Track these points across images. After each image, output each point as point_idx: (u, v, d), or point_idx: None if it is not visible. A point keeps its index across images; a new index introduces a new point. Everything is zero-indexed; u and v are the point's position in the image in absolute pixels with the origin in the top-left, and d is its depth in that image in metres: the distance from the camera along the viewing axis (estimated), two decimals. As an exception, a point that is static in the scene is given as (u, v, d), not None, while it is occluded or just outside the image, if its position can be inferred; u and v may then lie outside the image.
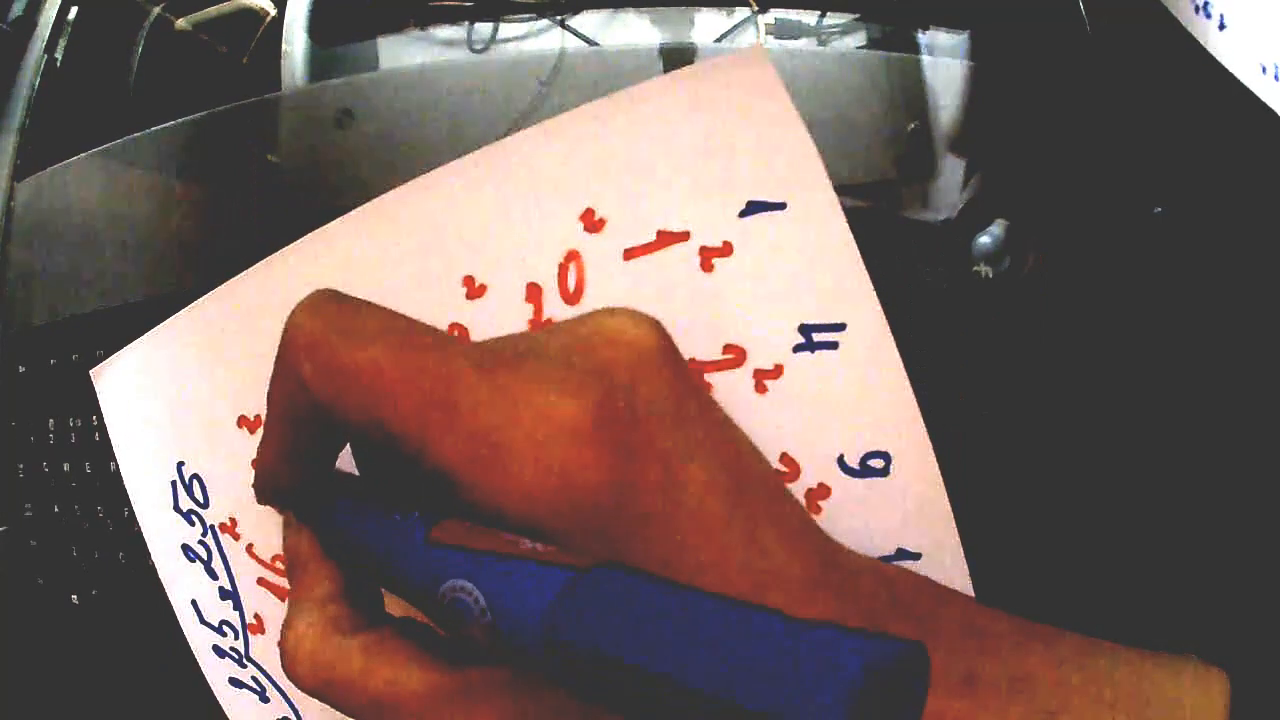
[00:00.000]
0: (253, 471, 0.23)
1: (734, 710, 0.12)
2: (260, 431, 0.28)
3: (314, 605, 0.21)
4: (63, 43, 0.50)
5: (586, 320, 0.19)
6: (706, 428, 0.19)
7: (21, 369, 0.44)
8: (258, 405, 0.29)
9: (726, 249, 0.26)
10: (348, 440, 0.22)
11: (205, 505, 0.31)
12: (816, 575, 0.19)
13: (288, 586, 0.28)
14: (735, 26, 0.48)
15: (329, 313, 0.19)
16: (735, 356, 0.26)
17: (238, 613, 0.32)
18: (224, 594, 0.32)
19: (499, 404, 0.17)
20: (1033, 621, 0.21)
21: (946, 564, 0.26)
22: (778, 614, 0.13)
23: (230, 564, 0.31)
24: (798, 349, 0.26)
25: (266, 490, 0.23)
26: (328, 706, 0.31)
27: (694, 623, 0.13)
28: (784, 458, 0.26)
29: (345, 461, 0.23)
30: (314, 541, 0.22)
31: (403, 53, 0.49)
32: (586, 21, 0.48)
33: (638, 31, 0.48)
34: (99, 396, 0.33)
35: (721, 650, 0.13)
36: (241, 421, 0.30)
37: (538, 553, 0.16)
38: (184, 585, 0.33)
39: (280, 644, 0.20)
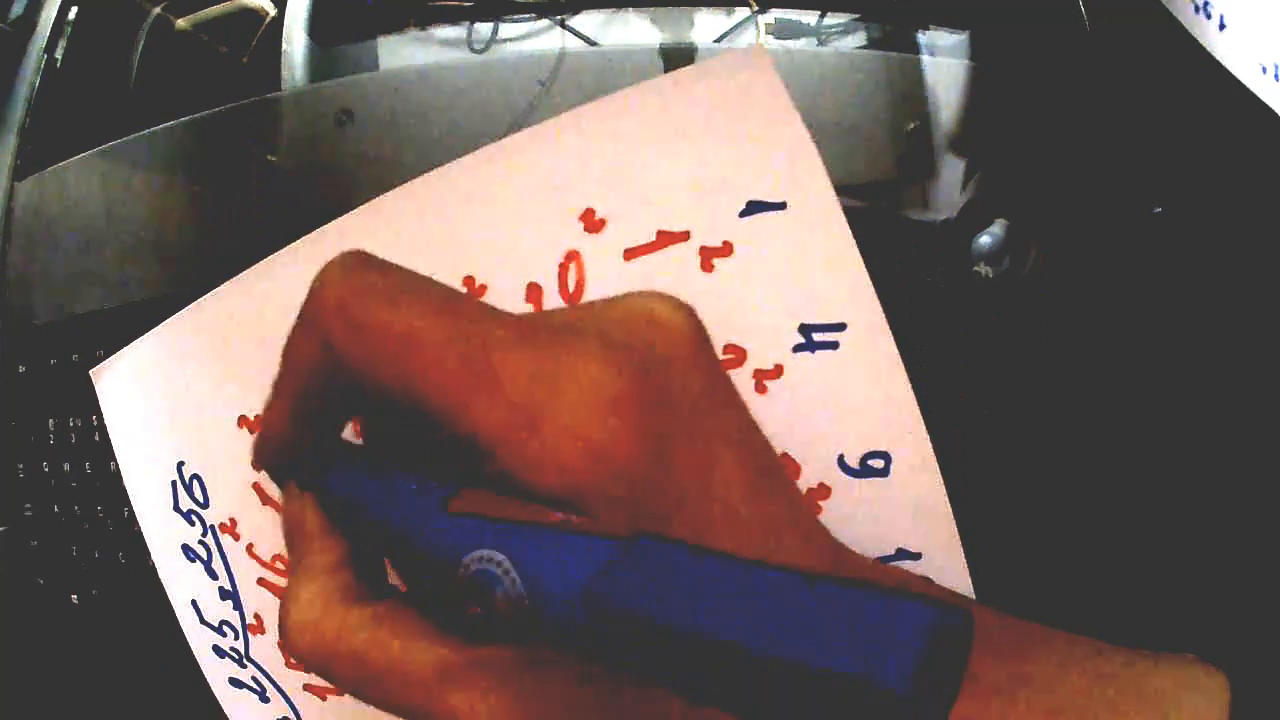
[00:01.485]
0: (253, 468, 0.22)
1: (798, 673, 0.12)
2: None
3: (318, 574, 0.20)
4: (63, 43, 0.50)
5: (624, 300, 0.19)
6: (736, 415, 0.19)
7: (21, 369, 0.44)
8: (258, 405, 0.29)
9: (726, 249, 0.26)
10: (364, 407, 0.21)
11: (205, 505, 0.31)
12: (829, 569, 0.19)
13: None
14: (735, 26, 0.48)
15: (362, 272, 0.18)
16: (735, 356, 0.26)
17: (238, 613, 0.32)
18: (224, 594, 0.32)
19: (541, 374, 0.17)
20: (1031, 622, 0.21)
21: (946, 564, 0.26)
22: (836, 579, 0.13)
23: (230, 564, 0.31)
24: (798, 349, 0.26)
25: (268, 454, 0.21)
26: (328, 706, 0.31)
27: (750, 589, 0.13)
28: (784, 458, 0.26)
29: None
30: (318, 509, 0.21)
31: (403, 53, 0.50)
32: (586, 21, 0.48)
33: (638, 31, 0.48)
34: (99, 396, 0.33)
35: (783, 615, 0.13)
36: (242, 421, 0.30)
37: (571, 524, 0.16)
38: (184, 585, 0.33)
39: (281, 615, 0.20)
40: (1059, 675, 0.19)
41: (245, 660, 0.32)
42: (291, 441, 0.21)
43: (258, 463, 0.22)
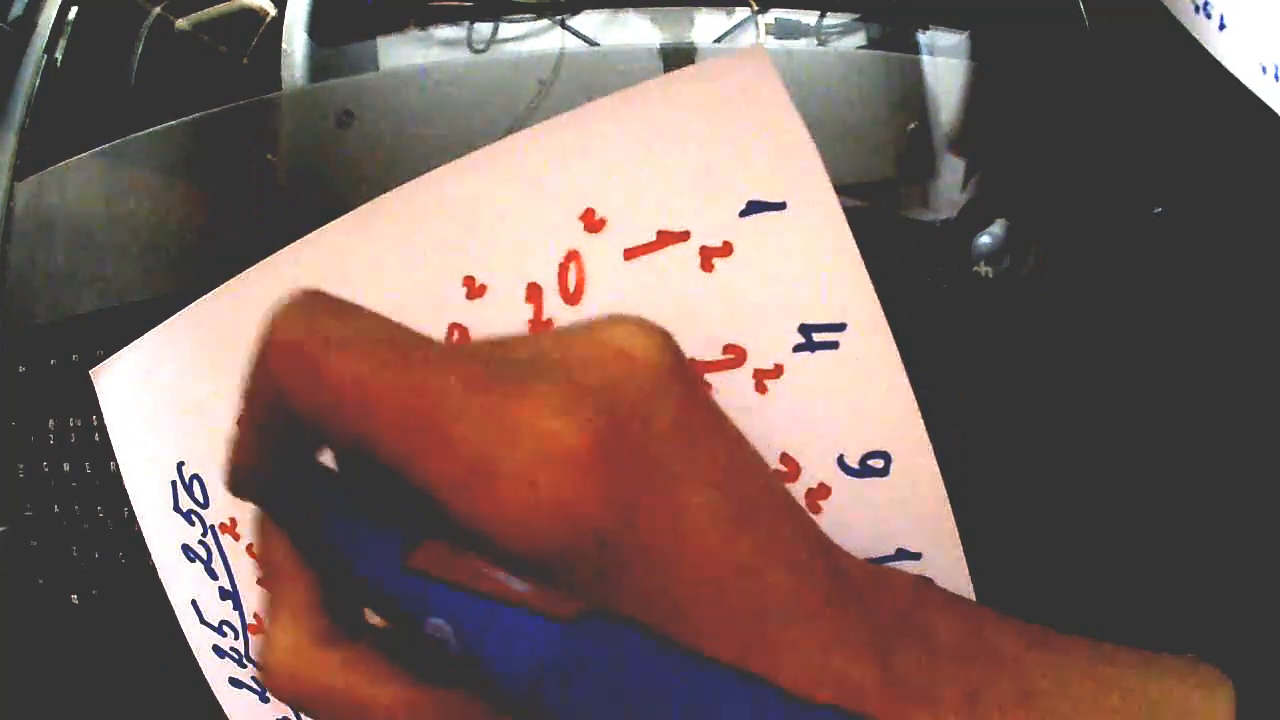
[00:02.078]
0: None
1: None
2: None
3: (292, 617, 0.20)
4: (63, 43, 0.50)
5: (593, 329, 0.18)
6: (712, 449, 0.18)
7: (21, 369, 0.44)
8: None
9: (726, 249, 0.26)
10: (325, 448, 0.21)
11: (205, 505, 0.31)
12: (822, 597, 0.19)
13: None
14: (735, 26, 0.48)
15: (311, 317, 0.18)
16: (735, 356, 0.26)
17: (238, 613, 0.32)
18: (224, 594, 0.32)
19: (491, 426, 0.16)
20: (1037, 626, 0.21)
21: (946, 564, 0.26)
22: (773, 690, 0.13)
23: (230, 564, 0.31)
24: (798, 349, 0.26)
25: (238, 482, 0.21)
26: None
27: (683, 695, 0.13)
28: (784, 458, 0.26)
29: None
30: (289, 548, 0.21)
31: (403, 53, 0.49)
32: (586, 21, 0.48)
33: (638, 31, 0.48)
34: (99, 396, 0.33)
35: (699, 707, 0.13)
36: (241, 421, 0.30)
37: (522, 596, 0.16)
38: (184, 585, 0.33)
39: (259, 656, 0.20)
40: (1065, 687, 0.19)
41: (245, 660, 0.32)
42: (258, 471, 0.20)
43: (233, 489, 0.21)
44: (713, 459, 0.18)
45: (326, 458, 0.21)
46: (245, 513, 0.31)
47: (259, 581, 0.21)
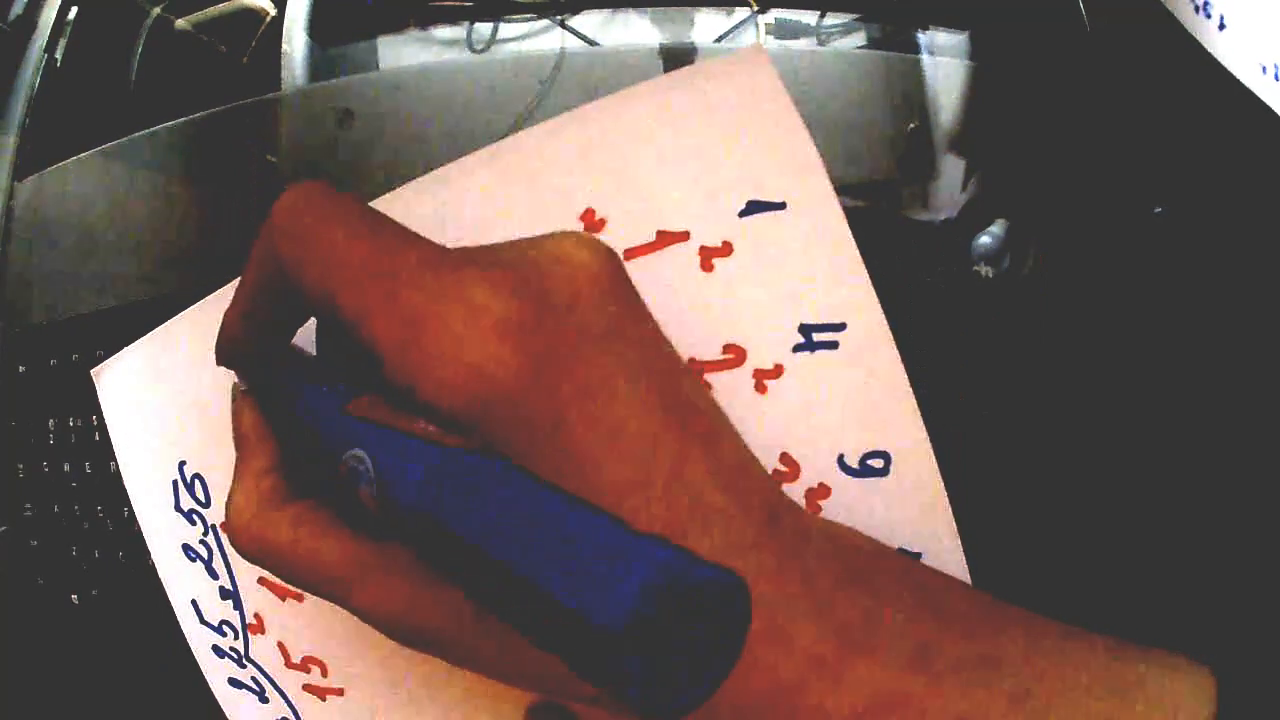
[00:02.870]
0: (216, 363, 0.25)
1: (542, 597, 0.13)
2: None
3: (251, 478, 0.22)
4: (63, 43, 0.50)
5: (543, 239, 0.20)
6: (644, 352, 0.19)
7: (21, 369, 0.44)
8: (258, 405, 0.29)
9: (726, 249, 0.26)
10: (307, 313, 0.22)
11: (206, 505, 0.31)
12: (756, 528, 0.19)
13: (288, 586, 0.28)
14: (735, 26, 0.48)
15: (314, 195, 0.20)
16: (735, 356, 0.26)
17: (238, 613, 0.32)
18: (224, 594, 0.32)
19: (433, 294, 0.18)
20: (1016, 606, 0.21)
21: (946, 564, 0.26)
22: (616, 520, 0.14)
23: (231, 564, 0.31)
24: (798, 349, 0.26)
25: (225, 352, 0.24)
26: (328, 707, 0.31)
27: (535, 516, 0.14)
28: (784, 458, 0.26)
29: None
30: (256, 415, 0.24)
31: (403, 53, 0.49)
32: (586, 21, 0.48)
33: (638, 31, 0.48)
34: (99, 396, 0.33)
35: (545, 543, 0.14)
36: (241, 421, 0.30)
37: (426, 432, 0.18)
38: (184, 585, 0.33)
39: (225, 513, 0.22)
40: (1031, 657, 0.19)
41: (245, 660, 0.32)
42: (246, 339, 0.23)
43: (219, 360, 0.24)
44: (642, 359, 0.19)
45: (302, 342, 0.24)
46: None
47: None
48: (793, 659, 0.18)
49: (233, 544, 0.22)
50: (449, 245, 0.27)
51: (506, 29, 0.48)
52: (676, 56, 0.44)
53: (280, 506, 0.21)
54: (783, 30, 0.48)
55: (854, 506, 0.26)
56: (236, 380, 0.26)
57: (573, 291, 0.19)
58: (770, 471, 0.26)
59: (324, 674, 0.31)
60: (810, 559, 0.19)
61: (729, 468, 0.19)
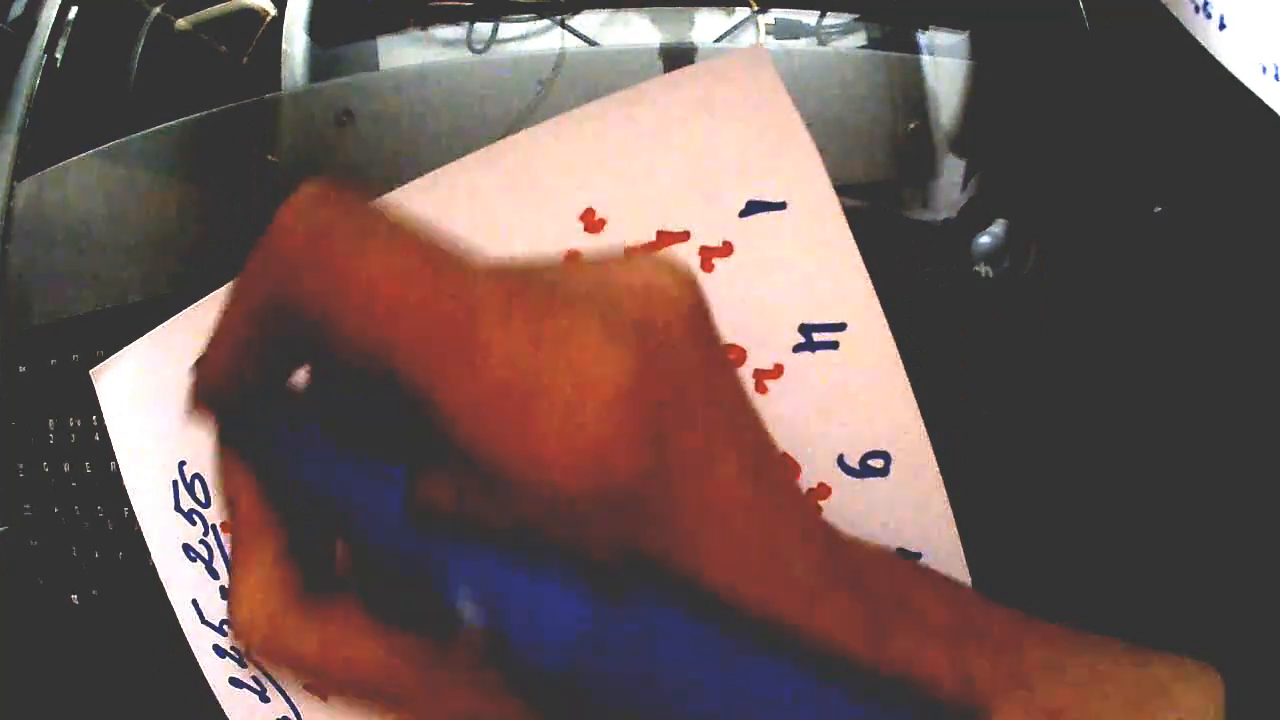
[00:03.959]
0: (191, 408, 0.19)
1: None
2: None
3: (259, 569, 0.18)
4: (63, 43, 0.50)
5: (624, 265, 0.17)
6: (736, 404, 0.17)
7: (21, 369, 0.44)
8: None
9: (726, 249, 0.26)
10: (317, 355, 0.18)
11: (206, 504, 0.31)
12: (828, 575, 0.18)
13: None
14: (735, 26, 0.48)
15: (332, 204, 0.16)
16: (735, 357, 0.26)
17: (238, 613, 0.32)
18: (225, 593, 0.32)
19: (530, 349, 0.14)
20: (1025, 614, 0.21)
21: (946, 564, 0.26)
22: (833, 675, 0.12)
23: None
24: (798, 349, 0.26)
25: (206, 394, 0.18)
26: (328, 706, 0.31)
27: (732, 676, 0.12)
28: (784, 458, 0.26)
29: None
30: (252, 483, 0.18)
31: (403, 53, 0.49)
32: (586, 21, 0.48)
33: (638, 31, 0.48)
34: (99, 396, 0.33)
35: (760, 709, 0.12)
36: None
37: (552, 547, 0.14)
38: (184, 585, 0.33)
39: (229, 612, 0.18)
40: (1060, 674, 0.19)
41: (245, 660, 0.32)
42: (231, 381, 0.18)
43: (195, 403, 0.18)
44: (737, 412, 0.17)
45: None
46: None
47: (222, 526, 0.20)
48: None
49: (245, 653, 0.18)
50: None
51: (506, 29, 0.48)
52: (676, 56, 0.44)
53: (301, 603, 0.17)
54: (783, 30, 0.48)
55: (854, 506, 0.26)
56: (217, 426, 0.19)
57: (670, 335, 0.16)
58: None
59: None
60: (870, 596, 0.19)
61: (802, 521, 0.18)
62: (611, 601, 0.13)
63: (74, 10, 0.51)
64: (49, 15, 0.50)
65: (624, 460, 0.14)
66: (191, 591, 0.33)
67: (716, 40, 0.48)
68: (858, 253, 0.25)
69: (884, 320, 0.25)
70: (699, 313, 0.16)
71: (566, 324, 0.15)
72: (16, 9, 0.50)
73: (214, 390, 0.18)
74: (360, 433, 0.17)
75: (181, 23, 0.52)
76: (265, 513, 0.18)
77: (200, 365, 0.18)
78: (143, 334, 0.32)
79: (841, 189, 0.25)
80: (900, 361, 0.25)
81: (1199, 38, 0.36)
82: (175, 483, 0.32)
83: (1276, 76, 0.33)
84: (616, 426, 0.14)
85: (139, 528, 0.33)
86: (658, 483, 0.15)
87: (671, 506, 0.15)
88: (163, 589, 0.33)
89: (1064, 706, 0.19)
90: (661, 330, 0.15)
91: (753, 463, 0.17)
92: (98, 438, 0.41)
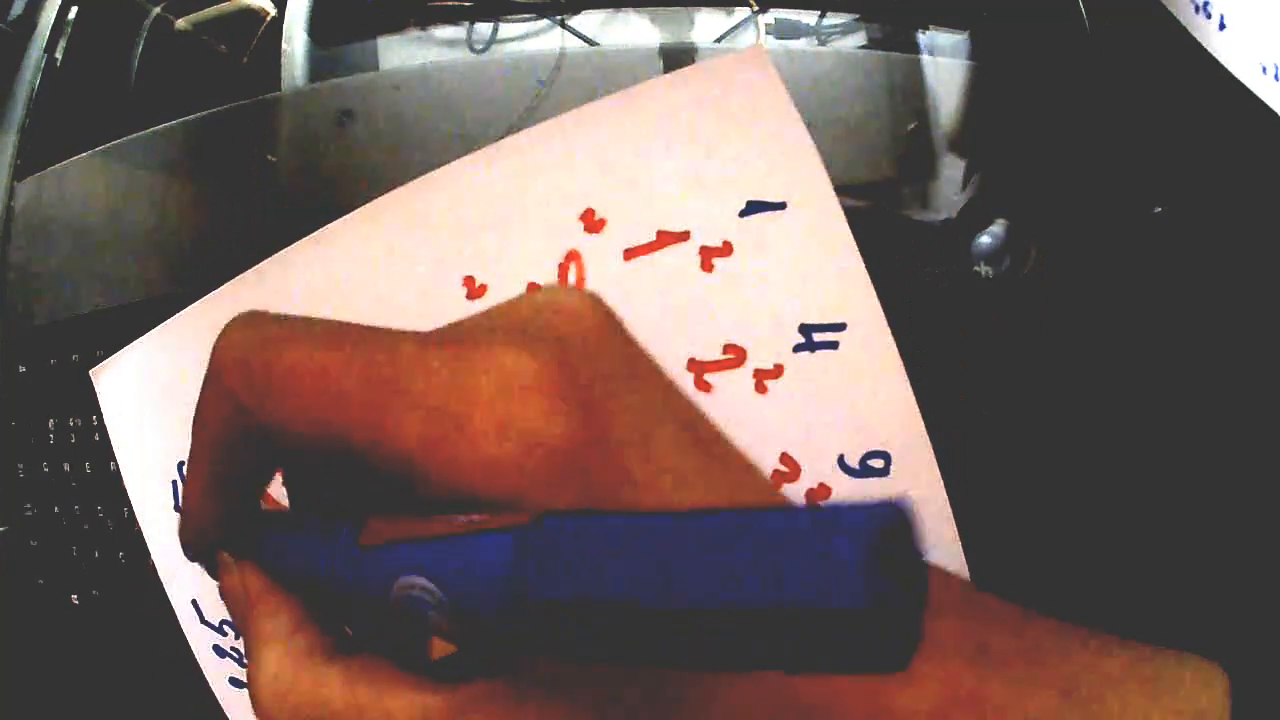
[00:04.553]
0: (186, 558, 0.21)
1: (755, 618, 0.12)
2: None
3: (279, 638, 0.19)
4: (63, 43, 0.50)
5: (525, 297, 0.19)
6: (664, 389, 0.18)
7: (21, 369, 0.44)
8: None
9: (726, 249, 0.26)
10: (283, 463, 0.20)
11: (205, 505, 0.31)
12: None
13: None
14: (735, 26, 0.48)
15: (259, 326, 0.18)
16: (735, 356, 0.26)
17: (238, 613, 0.32)
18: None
19: (455, 373, 0.16)
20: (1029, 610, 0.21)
21: (946, 564, 0.26)
22: (759, 511, 0.12)
23: (230, 564, 0.31)
24: (798, 349, 0.26)
25: (196, 539, 0.20)
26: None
27: (672, 546, 0.12)
28: (784, 458, 0.26)
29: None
30: (259, 573, 0.20)
31: (403, 53, 0.50)
32: (586, 21, 0.48)
33: (638, 31, 0.48)
34: (99, 396, 0.33)
35: (718, 563, 0.12)
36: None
37: (474, 523, 0.15)
38: (184, 585, 0.33)
39: (250, 687, 0.18)
40: (1066, 654, 0.19)
41: (245, 659, 0.32)
42: (217, 519, 0.20)
43: (188, 553, 0.21)
44: (667, 397, 0.18)
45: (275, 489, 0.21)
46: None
47: (235, 622, 0.21)
48: None
49: (267, 717, 0.18)
50: (456, 245, 0.27)
51: (506, 29, 0.48)
52: (676, 56, 0.44)
53: (326, 664, 0.18)
54: (783, 30, 0.48)
55: (854, 506, 0.26)
56: (222, 555, 0.21)
57: (584, 340, 0.17)
58: (770, 472, 0.26)
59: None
60: None
61: (762, 492, 0.19)
62: (527, 529, 0.14)
63: (74, 10, 0.51)
64: (49, 15, 0.50)
65: (560, 440, 0.16)
66: (191, 591, 0.33)
67: (716, 40, 0.48)
68: (858, 253, 0.25)
69: (884, 320, 0.25)
70: (605, 320, 0.18)
71: (474, 347, 0.16)
72: (16, 9, 0.51)
73: (203, 541, 0.20)
74: (314, 511, 0.19)
75: (181, 23, 0.52)
76: (274, 589, 0.20)
77: (183, 523, 0.20)
78: (143, 334, 0.32)
79: (841, 189, 0.25)
80: (900, 361, 0.25)
81: (1199, 38, 0.36)
82: (175, 483, 0.32)
83: (1276, 76, 0.33)
84: (543, 411, 0.16)
85: (139, 528, 0.33)
86: (600, 460, 0.16)
87: (619, 484, 0.16)
88: (163, 589, 0.33)
89: (1079, 683, 0.19)
90: (568, 336, 0.17)
91: (694, 436, 0.18)
92: (98, 438, 0.41)
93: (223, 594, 0.20)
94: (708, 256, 0.26)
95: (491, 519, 0.15)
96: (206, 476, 0.19)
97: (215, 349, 0.18)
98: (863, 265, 0.25)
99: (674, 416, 0.18)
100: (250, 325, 0.18)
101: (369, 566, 0.17)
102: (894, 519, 0.12)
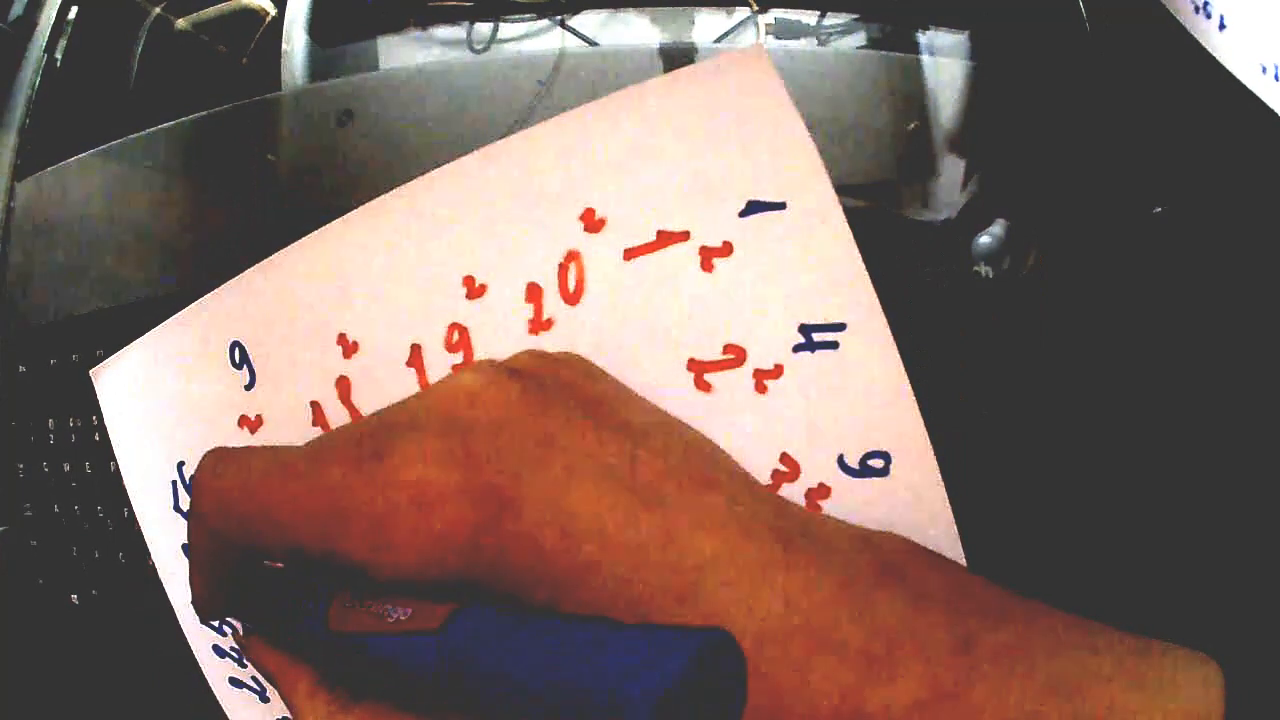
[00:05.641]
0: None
1: (570, 699, 0.15)
2: (261, 431, 0.28)
3: (302, 700, 0.23)
4: (63, 43, 0.50)
5: (443, 383, 0.21)
6: (586, 441, 0.20)
7: (21, 369, 0.44)
8: (259, 405, 0.29)
9: (726, 249, 0.26)
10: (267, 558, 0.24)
11: (205, 505, 0.31)
12: (776, 555, 0.19)
13: None
14: (735, 26, 0.48)
15: (221, 471, 0.22)
16: (735, 356, 0.26)
17: (238, 613, 0.32)
18: (224, 594, 0.32)
19: (373, 495, 0.19)
20: (1025, 598, 0.21)
21: (946, 564, 0.26)
22: (605, 622, 0.16)
23: (230, 564, 0.31)
24: (798, 349, 0.26)
25: (205, 611, 0.25)
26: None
27: (541, 638, 0.17)
28: (784, 458, 0.26)
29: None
30: (270, 646, 0.24)
31: (403, 53, 0.50)
32: (586, 21, 0.48)
33: (638, 31, 0.48)
34: (99, 396, 0.33)
35: (556, 656, 0.16)
36: (243, 421, 0.30)
37: (402, 625, 0.19)
38: (184, 585, 0.33)
39: None
40: (1056, 647, 0.19)
41: (245, 660, 0.32)
42: (218, 595, 0.24)
43: (204, 618, 0.25)
44: (595, 452, 0.20)
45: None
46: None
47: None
48: (846, 662, 0.18)
49: None
50: (456, 245, 0.27)
51: (506, 29, 0.48)
52: (676, 56, 0.44)
53: (346, 713, 0.22)
54: (783, 30, 0.48)
55: (854, 506, 0.26)
56: (239, 628, 0.27)
57: (491, 426, 0.20)
58: (770, 472, 0.26)
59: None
60: (839, 564, 0.20)
61: (724, 511, 0.20)
62: (443, 634, 0.18)
63: (74, 10, 0.51)
64: (49, 15, 0.50)
65: (471, 529, 0.19)
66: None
67: (716, 40, 0.48)
68: (858, 253, 0.25)
69: (884, 320, 0.25)
70: (522, 398, 0.21)
71: (386, 461, 0.20)
72: (16, 9, 0.51)
73: (210, 610, 0.25)
74: (298, 584, 0.23)
75: (181, 23, 0.52)
76: (288, 659, 0.24)
77: (193, 597, 0.24)
78: (143, 334, 0.32)
79: (841, 189, 0.25)
80: (900, 361, 0.25)
81: (1199, 38, 0.36)
82: (174, 483, 0.32)
83: (1276, 76, 0.33)
84: (449, 514, 0.19)
85: (139, 528, 0.33)
86: (512, 537, 0.19)
87: (532, 555, 0.19)
88: (163, 589, 0.33)
89: (1066, 679, 0.19)
90: (482, 425, 0.20)
91: (618, 484, 0.20)
92: (98, 438, 0.41)
93: (251, 662, 0.25)
94: (708, 256, 0.26)
95: (413, 617, 0.19)
96: (204, 569, 0.23)
97: (195, 487, 0.22)
98: (863, 265, 0.25)
99: (594, 472, 0.20)
100: (216, 470, 0.22)
101: (336, 648, 0.21)
102: (712, 643, 0.15)
